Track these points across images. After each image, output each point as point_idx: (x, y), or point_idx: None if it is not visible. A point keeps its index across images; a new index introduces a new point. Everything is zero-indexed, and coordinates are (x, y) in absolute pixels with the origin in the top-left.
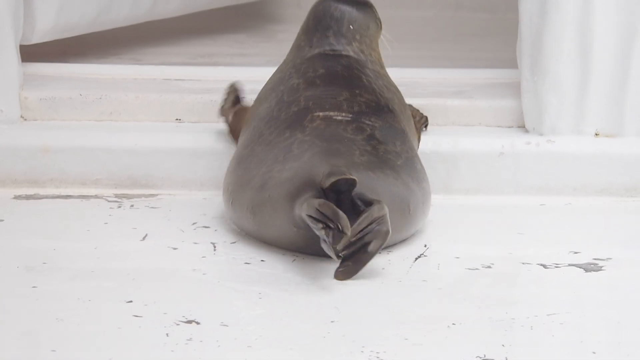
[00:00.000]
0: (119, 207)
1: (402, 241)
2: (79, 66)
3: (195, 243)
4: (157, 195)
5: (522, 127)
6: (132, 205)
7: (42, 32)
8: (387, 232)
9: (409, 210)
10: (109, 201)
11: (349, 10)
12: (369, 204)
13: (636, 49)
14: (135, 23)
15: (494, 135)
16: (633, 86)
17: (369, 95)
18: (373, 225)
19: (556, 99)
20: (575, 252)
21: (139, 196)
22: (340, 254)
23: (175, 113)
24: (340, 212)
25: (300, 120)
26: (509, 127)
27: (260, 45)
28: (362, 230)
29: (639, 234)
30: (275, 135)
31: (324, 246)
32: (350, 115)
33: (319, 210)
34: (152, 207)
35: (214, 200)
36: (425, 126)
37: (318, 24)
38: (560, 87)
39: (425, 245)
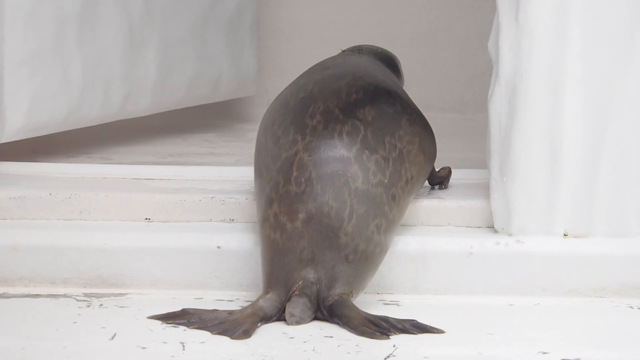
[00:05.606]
0: (88, 306)
1: (372, 340)
2: (48, 165)
3: (164, 342)
4: (126, 294)
5: (491, 227)
6: (101, 305)
7: (12, 131)
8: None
9: (386, 248)
10: (78, 300)
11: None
12: (348, 319)
13: (605, 150)
14: (106, 122)
15: (463, 235)
16: (602, 187)
17: (369, 79)
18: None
19: (525, 200)
20: (544, 353)
21: (108, 295)
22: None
23: (144, 212)
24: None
25: (303, 115)
26: (478, 227)
27: (231, 144)
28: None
29: (607, 334)
30: (282, 131)
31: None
32: (346, 109)
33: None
34: (121, 306)
35: (184, 299)
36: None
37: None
38: (529, 188)
39: (394, 346)
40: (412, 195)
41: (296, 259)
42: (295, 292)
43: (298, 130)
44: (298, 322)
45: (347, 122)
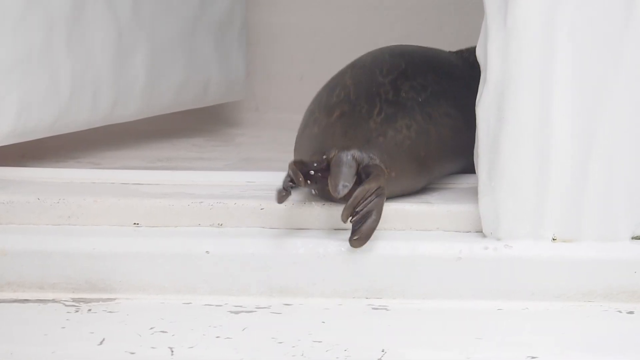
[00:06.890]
0: (77, 311)
1: (360, 344)
2: (37, 170)
3: (153, 347)
4: (115, 299)
5: (480, 231)
6: (89, 310)
7: (1, 135)
8: (381, 203)
9: (421, 157)
10: (66, 305)
11: None
12: (368, 175)
13: (594, 154)
14: (94, 127)
15: (451, 239)
16: (591, 191)
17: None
18: (372, 196)
19: (514, 204)
20: (533, 357)
21: (97, 300)
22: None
23: (133, 217)
24: (296, 172)
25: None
26: (467, 231)
27: (219, 149)
28: (360, 203)
29: (596, 339)
30: (339, 71)
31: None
32: (395, 53)
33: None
34: (110, 312)
35: (172, 304)
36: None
37: None
38: (518, 192)
39: (383, 350)
40: (458, 138)
41: (330, 136)
42: (333, 162)
43: (349, 66)
44: (344, 187)
45: (389, 61)
